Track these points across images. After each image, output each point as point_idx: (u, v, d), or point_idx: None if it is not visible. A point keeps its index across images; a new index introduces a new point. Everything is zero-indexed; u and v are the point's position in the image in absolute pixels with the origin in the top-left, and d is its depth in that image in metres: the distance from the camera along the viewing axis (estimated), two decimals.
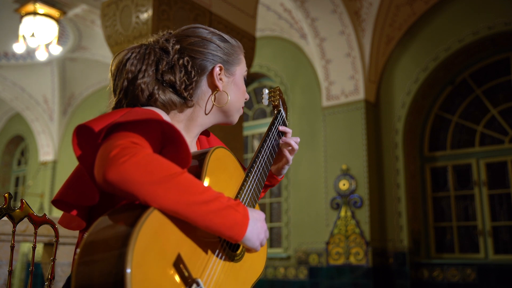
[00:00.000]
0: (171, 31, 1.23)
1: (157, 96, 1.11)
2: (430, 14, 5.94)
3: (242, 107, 1.27)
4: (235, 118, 1.26)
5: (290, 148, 1.36)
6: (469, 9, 5.65)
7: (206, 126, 1.22)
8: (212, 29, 1.23)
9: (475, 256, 5.44)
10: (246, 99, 1.28)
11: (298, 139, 1.38)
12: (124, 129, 0.93)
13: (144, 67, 1.11)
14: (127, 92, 1.11)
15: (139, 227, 0.78)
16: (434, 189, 5.94)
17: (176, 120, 1.16)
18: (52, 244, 2.93)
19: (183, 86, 1.14)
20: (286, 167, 1.39)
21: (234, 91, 1.22)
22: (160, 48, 1.16)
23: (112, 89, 1.16)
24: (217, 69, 1.18)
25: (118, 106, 1.14)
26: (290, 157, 1.36)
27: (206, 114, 1.20)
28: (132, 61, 1.12)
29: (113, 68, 1.16)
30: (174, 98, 1.13)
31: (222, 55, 1.20)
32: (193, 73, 1.15)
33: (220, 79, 1.19)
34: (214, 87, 1.19)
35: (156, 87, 1.11)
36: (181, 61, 1.15)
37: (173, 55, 1.15)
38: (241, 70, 1.25)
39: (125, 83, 1.11)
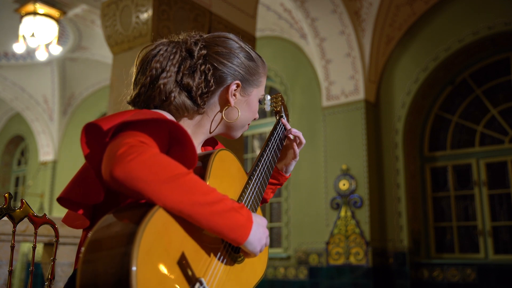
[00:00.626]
0: (202, 34, 1.23)
1: (172, 98, 1.11)
2: (430, 14, 5.94)
3: (248, 124, 1.28)
4: (238, 134, 1.27)
5: (298, 141, 1.40)
6: (469, 9, 5.65)
7: (210, 135, 1.23)
8: (243, 44, 1.23)
9: (475, 256, 5.44)
10: (255, 118, 1.28)
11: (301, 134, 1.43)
12: (132, 128, 0.93)
13: (168, 67, 1.11)
14: (147, 89, 1.12)
15: (144, 225, 0.79)
16: (434, 189, 5.94)
17: (185, 125, 1.17)
18: (52, 244, 2.93)
19: (199, 93, 1.13)
20: (294, 163, 1.42)
21: (244, 110, 1.22)
22: (186, 49, 1.16)
23: (132, 81, 1.17)
24: (233, 86, 1.18)
25: (135, 99, 1.15)
26: (297, 151, 1.40)
27: (212, 124, 1.20)
28: (158, 58, 1.12)
29: (138, 61, 1.16)
30: (188, 103, 1.14)
31: (244, 73, 1.20)
32: (211, 82, 1.15)
33: (234, 95, 1.19)
34: (226, 101, 1.19)
35: (174, 89, 1.12)
36: (203, 67, 1.15)
37: (197, 60, 1.15)
38: (257, 92, 1.25)
39: (148, 79, 1.12)
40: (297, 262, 6.14)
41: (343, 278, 5.57)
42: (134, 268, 0.74)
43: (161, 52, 1.13)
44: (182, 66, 1.13)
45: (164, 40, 1.18)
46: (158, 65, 1.11)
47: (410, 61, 5.98)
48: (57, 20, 6.29)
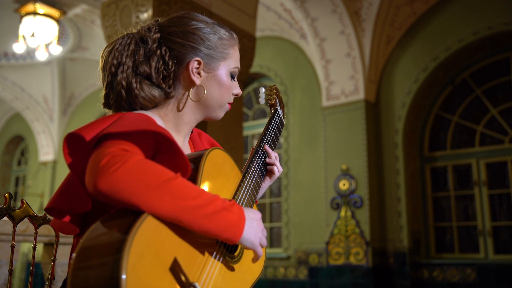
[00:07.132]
0: (159, 19, 1.19)
1: (136, 91, 1.08)
2: (430, 14, 5.94)
3: (230, 103, 1.20)
4: (219, 114, 1.20)
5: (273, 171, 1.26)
6: (469, 9, 5.64)
7: (193, 123, 1.18)
8: (203, 19, 1.17)
9: (475, 256, 5.44)
10: (237, 94, 1.20)
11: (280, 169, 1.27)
12: (115, 136, 0.90)
13: (124, 59, 1.09)
14: (112, 87, 1.10)
15: (133, 233, 0.78)
16: (434, 189, 5.94)
17: (166, 120, 1.14)
18: (52, 244, 2.93)
19: (160, 77, 1.09)
20: (261, 192, 1.27)
21: (213, 86, 1.15)
22: (140, 37, 1.12)
23: (101, 82, 1.14)
24: (193, 63, 1.12)
25: (107, 101, 1.12)
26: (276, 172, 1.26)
27: (185, 109, 1.14)
28: (114, 54, 1.10)
29: (101, 61, 1.14)
30: (154, 92, 1.10)
31: (204, 48, 1.13)
32: (170, 63, 1.10)
33: (198, 73, 1.13)
34: (191, 81, 1.13)
35: (133, 80, 1.08)
36: (158, 51, 1.10)
37: (152, 45, 1.10)
38: (227, 65, 1.17)
39: (109, 78, 1.09)
40: (297, 262, 6.13)
41: (343, 278, 5.57)
42: (124, 277, 0.73)
43: (116, 46, 1.10)
44: (136, 56, 1.09)
45: (122, 35, 1.14)
46: (114, 61, 1.08)
47: (410, 61, 5.98)
48: (57, 20, 6.29)
